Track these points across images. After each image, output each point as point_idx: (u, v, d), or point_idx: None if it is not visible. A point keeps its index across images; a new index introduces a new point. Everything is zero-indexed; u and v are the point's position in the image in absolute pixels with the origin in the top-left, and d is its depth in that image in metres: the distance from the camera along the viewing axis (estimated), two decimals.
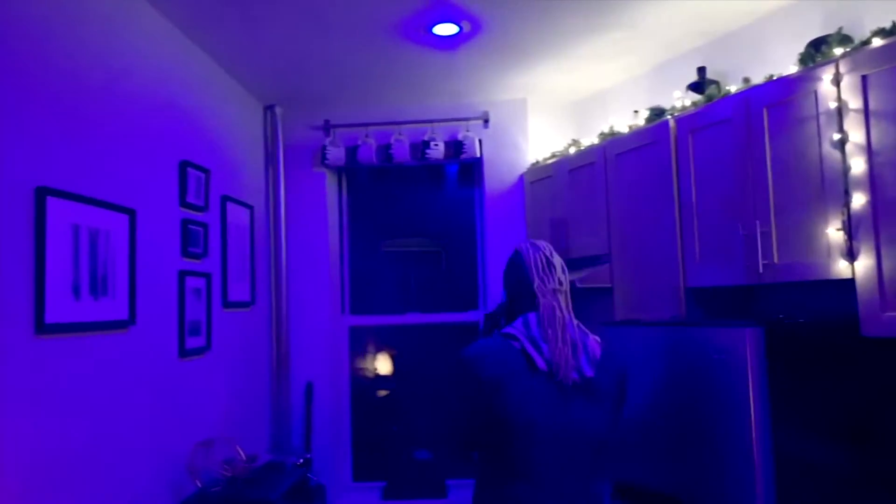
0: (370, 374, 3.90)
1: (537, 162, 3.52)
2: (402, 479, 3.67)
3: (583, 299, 2.50)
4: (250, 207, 3.29)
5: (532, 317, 1.64)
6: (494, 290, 3.60)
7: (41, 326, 1.76)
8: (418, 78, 3.30)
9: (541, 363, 1.58)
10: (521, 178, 3.61)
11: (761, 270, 2.21)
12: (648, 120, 2.80)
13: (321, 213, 3.70)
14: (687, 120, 2.52)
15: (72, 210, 1.91)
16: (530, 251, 1.74)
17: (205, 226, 2.77)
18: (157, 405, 2.35)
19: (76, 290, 1.92)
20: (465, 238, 3.88)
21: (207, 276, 2.78)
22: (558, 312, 1.63)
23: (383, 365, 4.02)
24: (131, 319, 2.19)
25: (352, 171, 3.90)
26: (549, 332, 1.60)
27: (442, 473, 3.67)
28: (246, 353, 3.18)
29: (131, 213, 2.21)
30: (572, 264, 2.98)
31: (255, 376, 3.30)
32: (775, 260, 2.19)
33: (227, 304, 2.96)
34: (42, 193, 1.79)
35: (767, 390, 1.91)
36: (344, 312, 3.85)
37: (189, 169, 2.64)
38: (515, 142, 3.66)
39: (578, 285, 2.88)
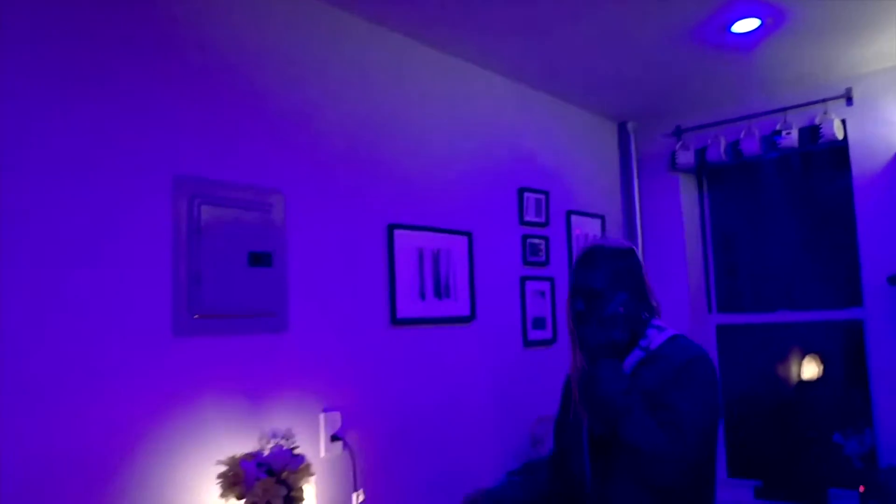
0: (793, 380, 3.80)
1: None
2: (777, 481, 3.55)
3: None
4: (601, 217, 3.70)
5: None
6: (873, 282, 3.24)
7: (394, 320, 2.52)
8: (764, 68, 3.23)
9: None
10: None
11: None
12: None
13: (676, 215, 3.86)
14: None
15: (415, 238, 2.64)
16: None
17: (545, 238, 3.29)
18: (501, 385, 2.95)
19: (422, 294, 2.64)
20: (832, 228, 3.56)
21: (551, 280, 3.29)
22: None
23: (809, 368, 3.90)
24: (472, 316, 2.84)
25: (712, 172, 3.95)
26: None
27: (823, 479, 3.43)
28: None
29: (468, 234, 2.87)
30: None
31: None
32: None
33: None
34: (391, 228, 2.55)
35: None
36: (711, 311, 3.91)
37: (526, 193, 3.21)
38: (887, 117, 3.24)
39: None
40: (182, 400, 1.90)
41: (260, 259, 2.13)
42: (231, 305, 2.05)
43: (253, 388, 2.07)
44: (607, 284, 1.67)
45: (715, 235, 3.97)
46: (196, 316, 1.96)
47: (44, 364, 1.66)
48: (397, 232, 2.57)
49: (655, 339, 1.69)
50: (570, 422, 1.75)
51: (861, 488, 3.01)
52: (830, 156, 3.53)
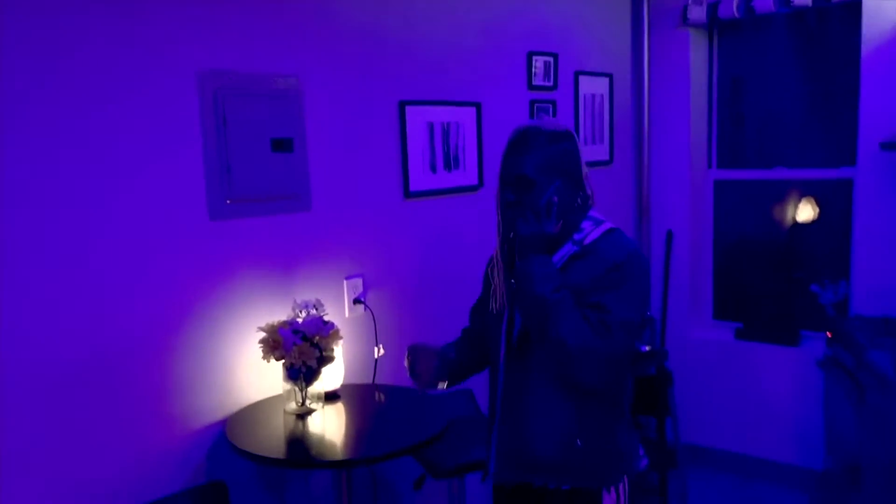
0: (786, 219, 4.00)
1: None
2: (757, 324, 3.90)
3: None
4: (608, 75, 3.74)
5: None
6: (867, 145, 3.36)
7: (407, 193, 2.72)
8: None
9: None
10: None
11: None
12: None
13: (684, 72, 3.89)
14: None
15: (426, 112, 2.76)
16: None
17: (553, 102, 3.38)
18: None
19: (433, 167, 2.81)
20: (835, 89, 3.61)
21: None
22: None
23: (804, 212, 4.09)
24: (480, 184, 3.02)
25: (723, 28, 3.91)
26: None
27: (798, 323, 3.78)
28: (606, 205, 3.77)
29: (477, 105, 2.97)
30: None
31: (619, 225, 3.90)
32: None
33: None
34: (402, 105, 2.67)
35: None
36: (710, 167, 4.06)
37: (535, 57, 3.25)
38: None
39: None
40: (221, 277, 2.16)
41: (282, 144, 2.29)
42: (259, 189, 2.25)
43: (283, 263, 2.33)
44: (541, 171, 1.56)
45: (721, 93, 4.02)
46: (228, 201, 2.17)
47: (98, 251, 1.90)
48: (409, 108, 2.69)
49: (591, 232, 1.63)
50: (491, 313, 1.72)
51: (829, 334, 3.34)
52: (843, 14, 3.49)
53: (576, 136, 1.66)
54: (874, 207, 3.40)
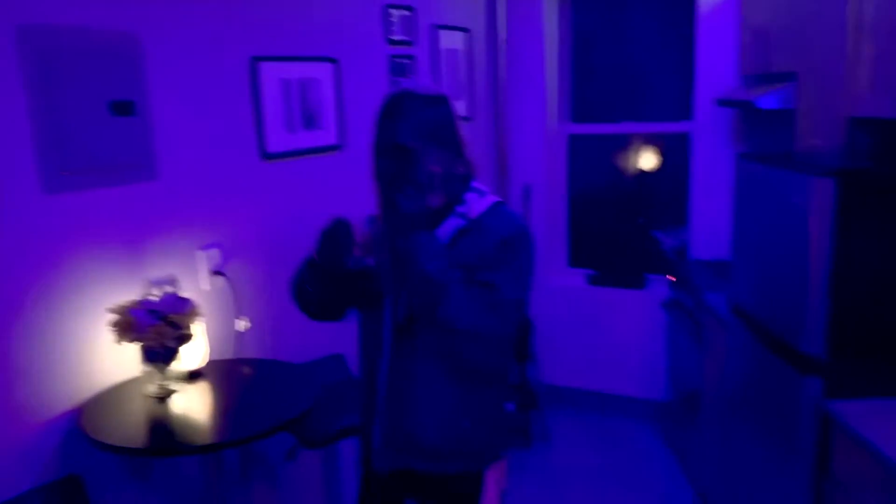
0: (632, 171, 4.20)
1: None
2: (607, 270, 4.15)
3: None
4: (465, 30, 3.74)
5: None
6: (703, 101, 3.60)
7: (264, 155, 2.59)
8: None
9: None
10: None
11: None
12: None
13: (537, 27, 3.96)
14: None
15: (281, 69, 2.62)
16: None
17: (411, 57, 3.33)
18: (372, 208, 3.15)
19: (290, 126, 2.70)
20: (678, 46, 3.83)
21: None
22: None
23: (647, 160, 4.30)
24: (340, 144, 2.94)
25: None
26: None
27: (644, 268, 4.06)
28: None
29: (335, 61, 2.87)
30: None
31: (479, 181, 3.97)
32: None
33: None
34: (255, 61, 2.52)
35: (831, 242, 1.95)
36: (563, 121, 4.20)
37: (391, 10, 3.17)
38: None
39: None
40: (62, 256, 1.97)
41: (122, 108, 2.10)
42: (98, 158, 2.06)
43: (132, 237, 2.16)
44: (419, 139, 1.46)
45: (575, 49, 4.14)
46: (64, 172, 1.97)
47: None
48: (262, 65, 2.54)
49: (475, 205, 1.56)
50: (370, 296, 1.62)
51: (671, 278, 3.62)
52: None
53: (450, 100, 1.55)
54: (709, 159, 3.68)
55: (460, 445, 1.60)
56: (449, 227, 1.55)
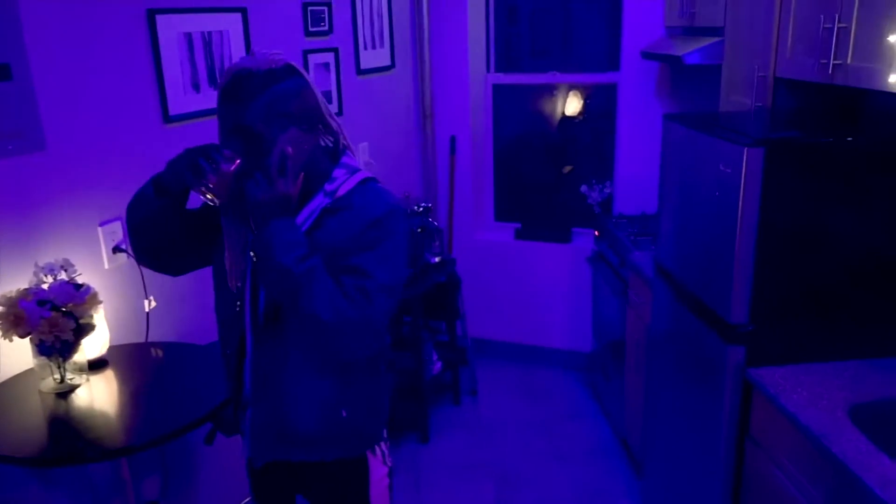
0: (557, 117, 4.12)
1: None
2: (533, 223, 4.12)
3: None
4: None
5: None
6: (630, 52, 3.53)
7: (167, 118, 2.37)
8: None
9: None
10: None
11: (831, 71, 2.04)
12: None
13: None
14: None
15: (182, 21, 2.38)
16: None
17: (328, 4, 3.11)
18: None
19: (195, 86, 2.47)
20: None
21: (335, 51, 3.19)
22: None
23: (572, 105, 4.22)
24: None
25: None
26: None
27: (570, 222, 4.05)
28: (387, 112, 3.66)
29: (243, 10, 2.63)
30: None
31: (402, 131, 3.83)
32: (849, 61, 2.00)
33: (360, 71, 3.38)
34: (151, 14, 2.27)
35: (759, 213, 1.94)
36: (489, 71, 4.06)
37: None
38: None
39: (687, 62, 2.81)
40: None
41: None
42: None
43: (18, 216, 1.94)
44: (265, 120, 1.33)
45: None
46: None
47: None
48: (159, 17, 2.30)
49: (344, 182, 1.45)
50: (227, 290, 1.51)
51: (596, 232, 3.62)
52: None
53: (302, 70, 1.40)
54: (634, 112, 3.64)
55: (339, 433, 1.53)
56: (314, 206, 1.44)
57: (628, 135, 3.70)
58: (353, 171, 1.48)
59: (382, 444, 1.64)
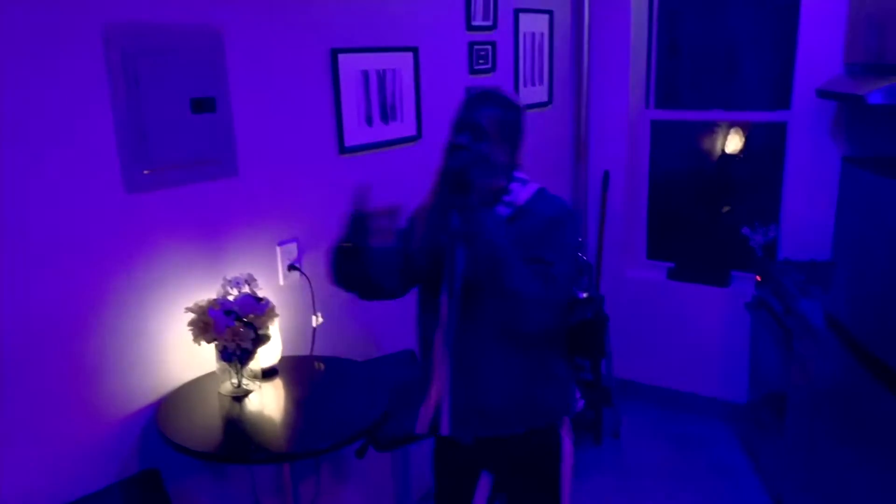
0: (716, 154, 4.01)
1: None
2: (688, 264, 3.97)
3: None
4: (549, 12, 3.58)
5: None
6: (803, 90, 3.36)
7: (342, 149, 2.55)
8: None
9: None
10: None
11: None
12: None
13: (624, 10, 3.76)
14: None
15: (360, 60, 2.56)
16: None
17: (492, 43, 3.22)
18: None
19: (368, 119, 2.64)
20: (777, 32, 3.57)
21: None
22: None
23: (733, 142, 4.10)
24: (418, 135, 2.88)
25: None
26: None
27: (727, 264, 3.87)
28: (542, 146, 3.71)
29: (414, 50, 2.79)
30: None
31: (555, 165, 3.86)
32: None
33: None
34: (334, 53, 2.46)
35: None
36: (648, 107, 4.01)
37: None
38: None
39: None
40: (143, 254, 1.99)
41: (203, 105, 2.08)
42: (179, 156, 2.05)
43: (211, 234, 2.16)
44: (495, 127, 1.69)
45: (661, 34, 3.92)
46: (146, 171, 1.97)
47: (4, 235, 1.70)
48: (341, 56, 2.49)
49: (521, 193, 1.75)
50: (425, 272, 1.79)
51: (758, 277, 3.43)
52: None
53: (524, 112, 1.81)
54: (806, 153, 3.44)
55: (528, 407, 1.77)
56: (498, 215, 1.71)
57: (798, 176, 3.50)
58: (525, 182, 1.78)
59: (568, 420, 1.86)
